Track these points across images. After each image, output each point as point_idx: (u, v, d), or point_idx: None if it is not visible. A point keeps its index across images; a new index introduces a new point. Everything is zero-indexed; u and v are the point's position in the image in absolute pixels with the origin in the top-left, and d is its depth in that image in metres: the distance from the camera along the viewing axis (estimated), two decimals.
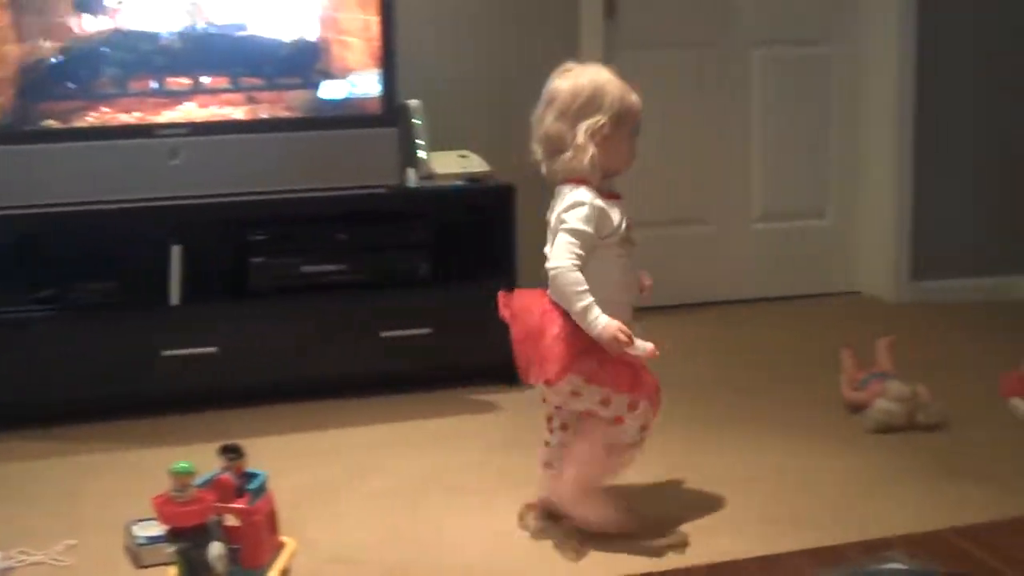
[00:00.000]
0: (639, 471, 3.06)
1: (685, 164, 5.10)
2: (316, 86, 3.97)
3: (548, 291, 2.84)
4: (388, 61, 3.96)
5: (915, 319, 4.90)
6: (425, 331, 3.99)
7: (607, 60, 4.77)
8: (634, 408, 2.82)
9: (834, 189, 5.27)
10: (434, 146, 4.18)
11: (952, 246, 5.19)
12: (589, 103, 2.83)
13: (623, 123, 2.85)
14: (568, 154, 2.82)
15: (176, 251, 3.86)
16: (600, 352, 2.75)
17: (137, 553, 2.80)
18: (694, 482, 3.25)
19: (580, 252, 2.76)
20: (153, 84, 3.86)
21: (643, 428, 2.86)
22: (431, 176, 4.08)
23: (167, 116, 3.86)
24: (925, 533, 1.65)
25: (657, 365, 3.98)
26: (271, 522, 2.73)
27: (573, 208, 2.80)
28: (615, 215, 2.84)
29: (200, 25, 3.85)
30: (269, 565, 2.68)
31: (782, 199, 5.21)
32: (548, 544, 2.89)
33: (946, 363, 4.28)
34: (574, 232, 2.77)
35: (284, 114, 3.95)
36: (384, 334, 3.97)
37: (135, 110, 3.85)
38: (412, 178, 4.06)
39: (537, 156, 2.90)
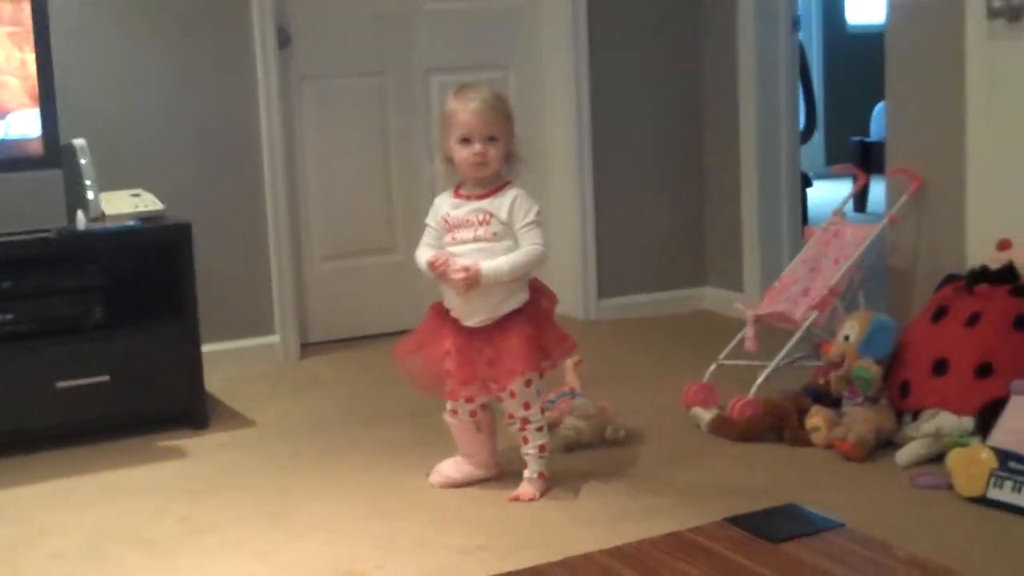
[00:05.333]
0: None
1: (370, 193, 5.07)
2: None
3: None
4: (47, 100, 3.79)
5: (602, 336, 5.00)
6: (103, 379, 3.83)
7: (284, 91, 4.76)
8: None
9: None
10: (106, 186, 4.03)
11: (633, 264, 5.34)
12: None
13: (447, 132, 3.29)
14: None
15: None
16: None
17: None
18: (387, 508, 3.23)
19: (427, 241, 3.39)
20: None
21: None
22: (102, 217, 3.92)
23: None
24: (579, 556, 1.66)
25: (352, 397, 3.96)
26: None
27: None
28: (445, 207, 3.33)
29: None
30: None
31: None
32: None
33: (631, 377, 4.38)
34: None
35: None
36: (60, 384, 3.79)
37: None
38: (82, 220, 3.89)
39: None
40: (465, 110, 3.24)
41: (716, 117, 5.33)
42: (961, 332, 3.58)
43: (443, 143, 3.32)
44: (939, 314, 3.70)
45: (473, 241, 3.26)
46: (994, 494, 3.10)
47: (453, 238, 3.29)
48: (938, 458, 3.34)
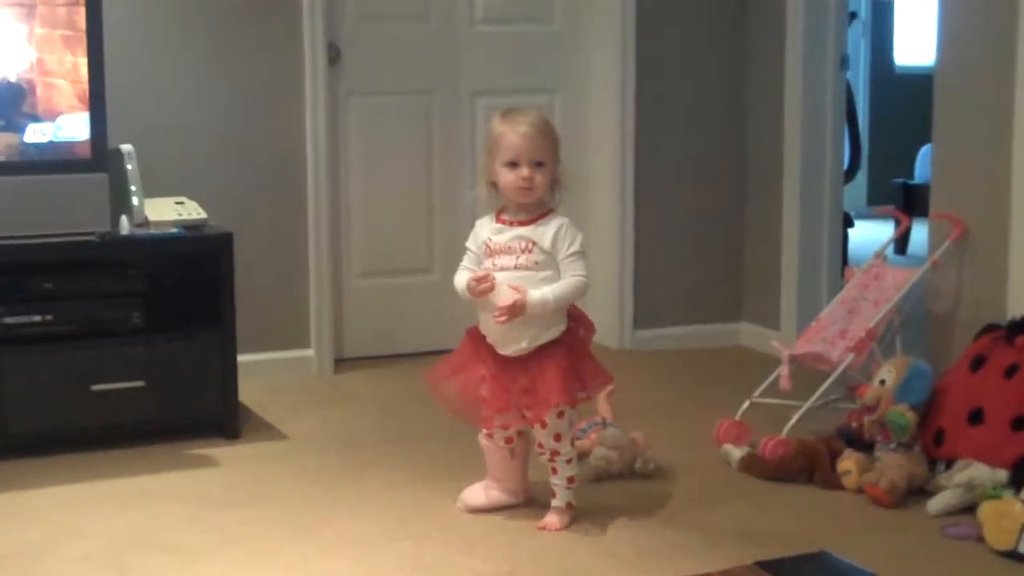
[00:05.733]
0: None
1: (410, 212, 5.09)
2: (21, 129, 3.80)
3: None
4: (97, 104, 3.82)
5: (636, 367, 4.99)
6: (138, 384, 3.85)
7: (332, 107, 4.78)
8: None
9: None
10: (151, 192, 4.05)
11: (670, 295, 5.33)
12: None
13: (493, 155, 3.25)
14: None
15: None
16: None
17: None
18: (414, 528, 3.24)
19: (466, 265, 3.34)
20: None
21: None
22: (145, 223, 3.95)
23: None
24: None
25: (384, 414, 3.98)
26: None
27: None
28: (487, 231, 3.29)
29: None
30: None
31: None
32: None
33: (664, 410, 4.37)
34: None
35: None
36: (95, 387, 3.81)
37: None
38: (125, 225, 3.92)
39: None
40: (514, 133, 3.20)
41: (760, 152, 5.32)
42: (999, 383, 3.56)
43: (488, 166, 3.29)
44: (977, 363, 3.67)
45: (514, 268, 3.23)
46: None
47: (494, 264, 3.26)
48: (970, 509, 3.31)
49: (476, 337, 3.33)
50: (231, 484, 3.62)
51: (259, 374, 4.52)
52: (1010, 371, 3.55)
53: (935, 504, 3.40)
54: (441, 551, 3.13)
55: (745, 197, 5.41)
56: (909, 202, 7.46)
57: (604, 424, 3.80)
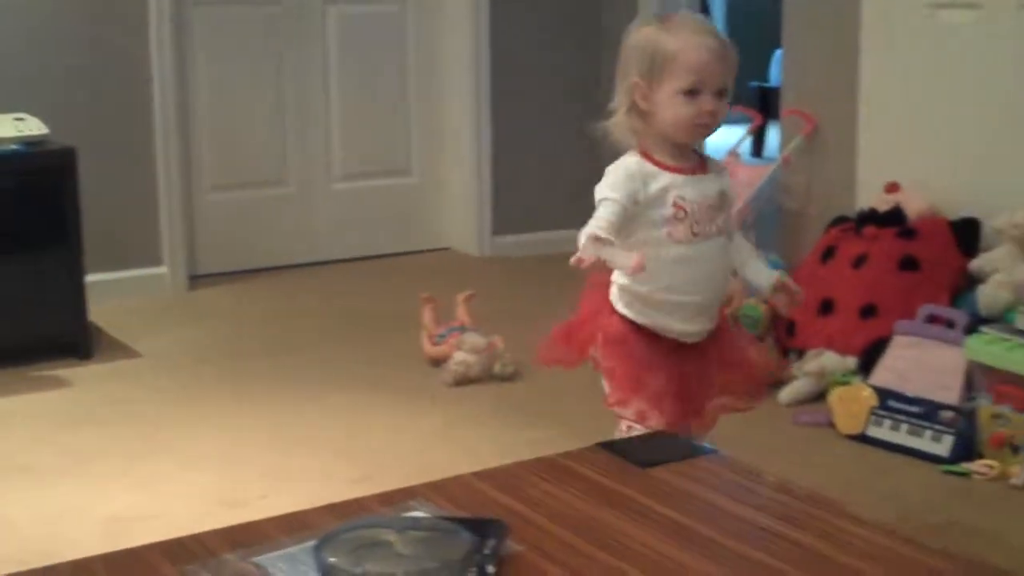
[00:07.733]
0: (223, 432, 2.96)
1: (262, 124, 5.00)
2: None
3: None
4: None
5: (495, 272, 5.00)
6: None
7: (180, 17, 4.66)
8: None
9: (416, 147, 5.30)
10: None
11: (528, 202, 5.33)
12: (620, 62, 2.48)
13: (657, 78, 2.38)
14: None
15: None
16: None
17: None
18: (275, 440, 3.20)
19: (608, 218, 2.29)
20: None
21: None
22: None
23: None
24: (448, 479, 1.67)
25: (240, 330, 3.91)
26: None
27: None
28: (659, 185, 2.34)
29: None
30: None
31: (364, 158, 5.19)
32: (121, 520, 2.77)
33: (523, 314, 4.37)
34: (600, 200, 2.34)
35: None
36: None
37: None
38: None
39: None
40: (698, 48, 2.34)
41: (616, 58, 5.30)
42: (848, 273, 3.63)
43: (638, 90, 2.42)
44: (827, 254, 3.74)
45: (717, 234, 2.35)
46: (873, 432, 3.15)
47: (693, 232, 2.32)
48: (821, 397, 3.39)
49: (630, 333, 2.51)
50: (85, 404, 3.55)
51: (111, 294, 4.43)
52: (858, 261, 3.63)
53: (786, 394, 3.46)
54: (304, 462, 3.11)
55: (601, 103, 5.39)
56: (765, 105, 7.51)
57: (463, 329, 3.80)
